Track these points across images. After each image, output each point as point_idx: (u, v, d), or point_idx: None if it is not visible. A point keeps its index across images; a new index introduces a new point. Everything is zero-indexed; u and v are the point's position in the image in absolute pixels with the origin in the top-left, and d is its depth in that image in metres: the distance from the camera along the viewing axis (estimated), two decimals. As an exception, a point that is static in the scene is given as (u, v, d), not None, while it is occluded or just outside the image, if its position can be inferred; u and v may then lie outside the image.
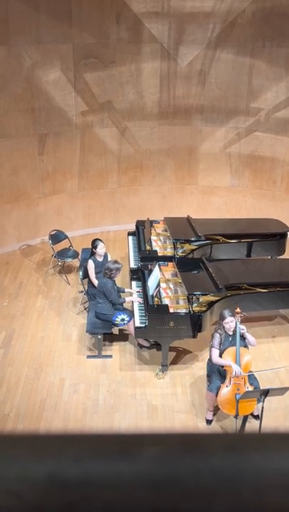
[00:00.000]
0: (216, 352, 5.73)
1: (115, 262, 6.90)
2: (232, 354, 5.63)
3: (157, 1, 8.83)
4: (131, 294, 7.20)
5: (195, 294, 6.55)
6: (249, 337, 5.80)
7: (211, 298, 6.59)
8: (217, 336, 5.81)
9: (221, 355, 5.68)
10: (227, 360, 5.62)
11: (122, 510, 0.54)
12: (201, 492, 0.55)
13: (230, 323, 5.69)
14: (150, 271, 7.06)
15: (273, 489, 0.55)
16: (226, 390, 5.53)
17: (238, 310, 5.77)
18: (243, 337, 5.77)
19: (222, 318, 5.77)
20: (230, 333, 5.75)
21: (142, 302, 6.83)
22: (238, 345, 5.62)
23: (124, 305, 7.09)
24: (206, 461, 0.57)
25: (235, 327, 5.69)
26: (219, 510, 0.54)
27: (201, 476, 0.55)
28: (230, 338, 5.75)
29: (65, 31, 8.74)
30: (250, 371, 5.73)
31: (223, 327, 5.76)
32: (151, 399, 6.15)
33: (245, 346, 5.79)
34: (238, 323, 5.70)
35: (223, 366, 5.67)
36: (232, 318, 5.70)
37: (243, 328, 5.76)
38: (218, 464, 0.56)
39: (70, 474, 0.55)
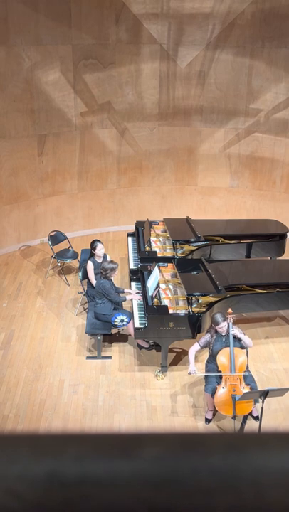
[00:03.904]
0: (195, 347, 5.91)
1: (110, 261, 6.89)
2: (226, 355, 5.64)
3: (157, 2, 8.84)
4: (131, 301, 7.17)
5: (194, 295, 6.55)
6: (244, 338, 5.79)
7: (210, 299, 6.59)
8: (208, 335, 5.85)
9: (216, 356, 5.69)
10: (220, 359, 5.65)
11: (122, 509, 0.54)
12: (201, 491, 0.55)
13: (224, 327, 5.70)
14: (150, 272, 7.06)
15: (273, 489, 0.55)
16: (222, 391, 5.53)
17: (230, 311, 5.78)
18: (237, 338, 5.77)
19: (215, 323, 5.73)
20: (223, 333, 5.76)
21: (141, 299, 6.82)
22: (232, 346, 5.63)
23: (124, 306, 7.09)
24: (205, 460, 0.57)
25: (228, 328, 5.70)
26: (219, 510, 0.55)
27: (200, 475, 0.56)
28: (224, 339, 5.75)
29: (64, 32, 8.75)
30: (248, 371, 5.73)
31: (216, 330, 5.76)
32: (151, 400, 6.15)
33: (242, 347, 5.78)
34: (230, 324, 5.70)
35: (217, 367, 5.67)
36: (225, 323, 5.69)
37: (234, 330, 5.74)
38: (218, 464, 0.56)
39: (70, 474, 0.55)
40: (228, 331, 5.71)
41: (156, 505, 0.54)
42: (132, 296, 7.03)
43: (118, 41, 9.12)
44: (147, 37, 9.15)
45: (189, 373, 5.79)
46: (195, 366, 5.85)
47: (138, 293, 7.15)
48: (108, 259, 7.71)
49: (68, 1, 8.59)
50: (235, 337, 5.71)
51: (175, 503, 0.54)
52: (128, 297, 7.00)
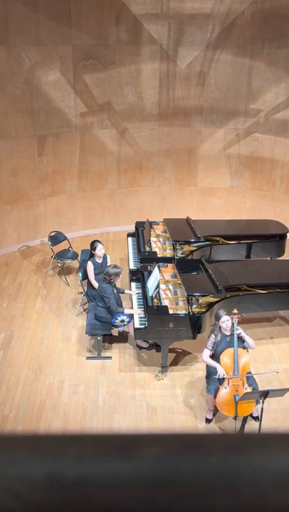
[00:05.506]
0: (206, 352, 5.82)
1: (115, 266, 6.84)
2: (230, 355, 5.63)
3: (157, 2, 8.84)
4: (131, 302, 7.11)
5: (194, 295, 6.55)
6: (248, 339, 5.79)
7: (210, 299, 6.59)
8: (212, 337, 5.82)
9: (219, 356, 5.68)
10: (224, 360, 5.63)
11: (122, 510, 0.54)
12: (201, 492, 0.55)
13: (227, 322, 5.69)
14: (150, 272, 7.06)
15: (273, 489, 0.55)
16: (224, 392, 5.53)
17: (235, 311, 5.77)
18: (241, 338, 5.76)
19: (218, 318, 5.77)
20: (228, 333, 5.75)
21: (143, 315, 6.64)
22: (236, 346, 5.62)
23: (124, 305, 7.07)
24: (205, 461, 0.57)
25: (233, 327, 5.69)
26: (219, 510, 0.55)
27: (200, 476, 0.56)
28: (228, 339, 5.74)
29: (64, 32, 8.75)
30: (249, 372, 5.73)
31: (220, 327, 5.76)
32: (151, 400, 6.15)
33: (244, 348, 5.78)
34: (235, 324, 5.69)
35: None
36: (228, 317, 5.70)
37: (239, 330, 5.75)
38: (218, 464, 0.56)
39: (70, 474, 0.55)
40: (232, 330, 5.70)
41: (157, 506, 0.54)
42: (133, 311, 6.84)
43: (118, 41, 9.12)
44: (147, 37, 9.15)
45: (219, 377, 5.68)
46: (208, 368, 5.85)
47: (138, 293, 7.15)
48: (108, 259, 7.71)
49: (68, 1, 8.59)
50: (239, 337, 5.71)
51: (175, 503, 0.54)
52: (127, 311, 6.80)
